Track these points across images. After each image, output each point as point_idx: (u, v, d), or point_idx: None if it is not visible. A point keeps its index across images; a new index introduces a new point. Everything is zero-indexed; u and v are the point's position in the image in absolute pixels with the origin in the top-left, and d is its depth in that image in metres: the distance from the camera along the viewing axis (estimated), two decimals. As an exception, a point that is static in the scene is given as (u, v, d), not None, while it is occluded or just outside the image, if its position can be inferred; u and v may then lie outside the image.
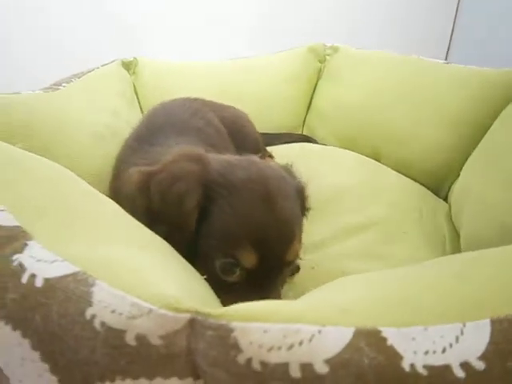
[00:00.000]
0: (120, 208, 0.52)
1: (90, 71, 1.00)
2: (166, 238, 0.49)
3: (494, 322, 0.30)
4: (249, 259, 0.49)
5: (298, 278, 0.65)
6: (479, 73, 0.99)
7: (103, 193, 0.74)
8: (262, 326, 0.29)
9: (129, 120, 1.01)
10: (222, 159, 0.56)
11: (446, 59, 1.86)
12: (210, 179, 0.52)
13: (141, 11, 1.73)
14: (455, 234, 0.83)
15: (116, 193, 0.69)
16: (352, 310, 0.32)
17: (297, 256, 0.55)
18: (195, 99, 0.96)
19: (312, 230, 0.78)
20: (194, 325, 0.30)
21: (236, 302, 0.37)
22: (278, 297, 0.53)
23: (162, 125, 0.79)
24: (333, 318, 0.31)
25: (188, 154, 0.56)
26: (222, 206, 0.50)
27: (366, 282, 0.40)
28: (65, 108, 0.83)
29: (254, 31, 1.85)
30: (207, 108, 0.91)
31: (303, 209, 0.61)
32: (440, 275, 0.36)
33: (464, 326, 0.30)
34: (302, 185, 0.61)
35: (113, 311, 0.30)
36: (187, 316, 0.30)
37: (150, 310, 0.30)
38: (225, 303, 0.46)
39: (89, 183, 0.67)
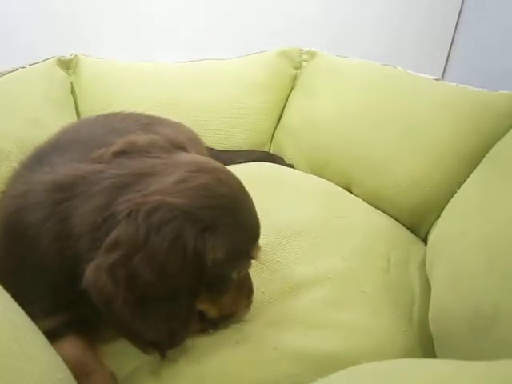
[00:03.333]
0: None
1: (12, 71, 0.85)
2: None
3: None
4: (258, 250, 0.56)
5: (217, 359, 0.51)
6: (474, 95, 0.83)
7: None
8: None
9: (56, 130, 0.86)
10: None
11: (442, 77, 1.68)
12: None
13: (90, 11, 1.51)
14: (427, 291, 0.68)
15: None
16: None
17: None
18: (127, 115, 0.79)
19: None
20: None
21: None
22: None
23: (66, 142, 0.64)
24: None
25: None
26: (218, 229, 0.48)
27: None
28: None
29: (222, 31, 1.59)
30: (136, 125, 0.74)
31: None
32: None
33: None
34: None
35: None
36: None
37: None
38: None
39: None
